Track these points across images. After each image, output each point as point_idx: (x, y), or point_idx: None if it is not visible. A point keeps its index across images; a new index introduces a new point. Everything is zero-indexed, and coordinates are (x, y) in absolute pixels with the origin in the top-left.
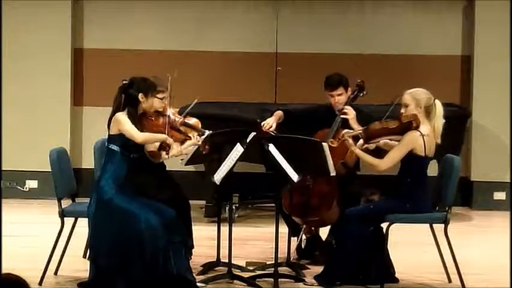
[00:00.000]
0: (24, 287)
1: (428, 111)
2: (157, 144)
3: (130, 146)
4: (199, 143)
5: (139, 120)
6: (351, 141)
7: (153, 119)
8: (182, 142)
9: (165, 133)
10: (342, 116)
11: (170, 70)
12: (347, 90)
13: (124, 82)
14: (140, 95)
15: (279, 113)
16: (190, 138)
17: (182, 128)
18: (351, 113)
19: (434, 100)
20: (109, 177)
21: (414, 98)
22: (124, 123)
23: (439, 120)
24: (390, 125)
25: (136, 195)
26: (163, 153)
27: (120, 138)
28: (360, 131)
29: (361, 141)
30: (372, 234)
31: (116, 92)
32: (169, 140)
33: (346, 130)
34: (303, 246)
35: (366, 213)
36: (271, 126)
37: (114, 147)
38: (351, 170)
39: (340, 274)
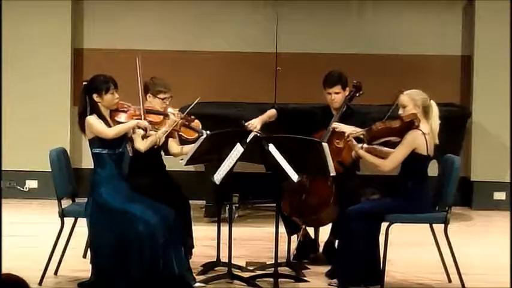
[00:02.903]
0: (24, 287)
1: (426, 111)
2: (141, 134)
3: (112, 143)
4: (179, 119)
5: (112, 116)
6: (354, 142)
7: (125, 109)
8: (161, 123)
9: (141, 119)
10: (331, 129)
11: (170, 70)
12: (345, 89)
13: (84, 83)
14: (94, 96)
15: (272, 111)
16: (169, 116)
17: (158, 109)
18: (339, 127)
19: (430, 100)
20: (102, 180)
21: (411, 98)
22: (94, 125)
23: (436, 121)
24: (392, 125)
25: (133, 194)
26: (147, 142)
27: (99, 140)
28: (363, 132)
29: (364, 145)
30: (374, 232)
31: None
32: (142, 123)
33: (349, 131)
34: (291, 250)
35: (367, 212)
36: (255, 127)
37: (98, 150)
38: (349, 169)
39: (350, 274)
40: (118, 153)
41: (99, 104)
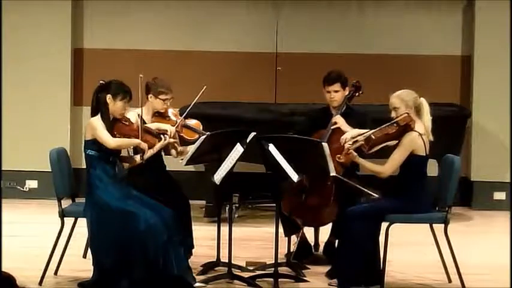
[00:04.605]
0: (12, 284)
1: (418, 110)
2: (129, 148)
3: (107, 150)
4: (166, 142)
5: (112, 124)
6: (354, 153)
7: (126, 123)
8: (155, 144)
9: (138, 137)
10: (332, 128)
11: (170, 70)
12: (344, 88)
13: (101, 83)
14: (108, 96)
15: None
16: (161, 139)
17: (155, 131)
18: (339, 121)
19: (420, 98)
20: (97, 180)
21: (402, 99)
22: (97, 128)
23: (428, 118)
24: (389, 131)
25: (133, 194)
26: (138, 157)
27: (96, 143)
28: (362, 142)
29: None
30: (374, 232)
31: (94, 90)
32: (143, 145)
33: (348, 142)
34: (291, 250)
35: (367, 212)
36: None
37: (92, 153)
38: (349, 169)
39: (350, 274)
40: (112, 158)
41: (108, 106)
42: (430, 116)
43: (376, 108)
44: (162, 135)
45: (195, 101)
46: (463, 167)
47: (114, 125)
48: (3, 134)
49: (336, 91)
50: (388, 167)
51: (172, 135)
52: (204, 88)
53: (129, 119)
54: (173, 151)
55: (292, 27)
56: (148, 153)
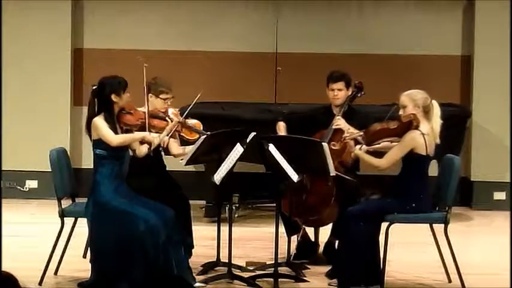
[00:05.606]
0: (15, 284)
1: (427, 111)
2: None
3: (115, 148)
4: (179, 123)
5: (118, 116)
6: (351, 143)
7: (132, 112)
8: (164, 127)
9: (145, 123)
10: (334, 127)
11: (170, 70)
12: (348, 88)
13: (94, 87)
14: (113, 96)
15: (283, 124)
16: (171, 120)
17: (161, 114)
18: (341, 123)
19: (431, 100)
20: (104, 179)
21: (411, 99)
22: (100, 128)
23: (437, 120)
24: (390, 126)
25: (133, 194)
26: (146, 148)
27: (104, 142)
28: (361, 133)
29: (364, 146)
30: (374, 232)
31: (89, 97)
32: (148, 137)
33: (347, 133)
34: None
35: (367, 212)
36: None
37: (100, 152)
38: (349, 169)
39: (350, 274)
40: (120, 156)
41: (115, 104)
42: (440, 120)
43: (376, 109)
44: (168, 118)
45: (192, 103)
46: (463, 167)
47: (119, 117)
48: (3, 134)
49: (340, 89)
50: (385, 161)
51: (177, 118)
52: (201, 93)
53: (133, 106)
54: (172, 146)
55: (292, 27)
56: (156, 140)
